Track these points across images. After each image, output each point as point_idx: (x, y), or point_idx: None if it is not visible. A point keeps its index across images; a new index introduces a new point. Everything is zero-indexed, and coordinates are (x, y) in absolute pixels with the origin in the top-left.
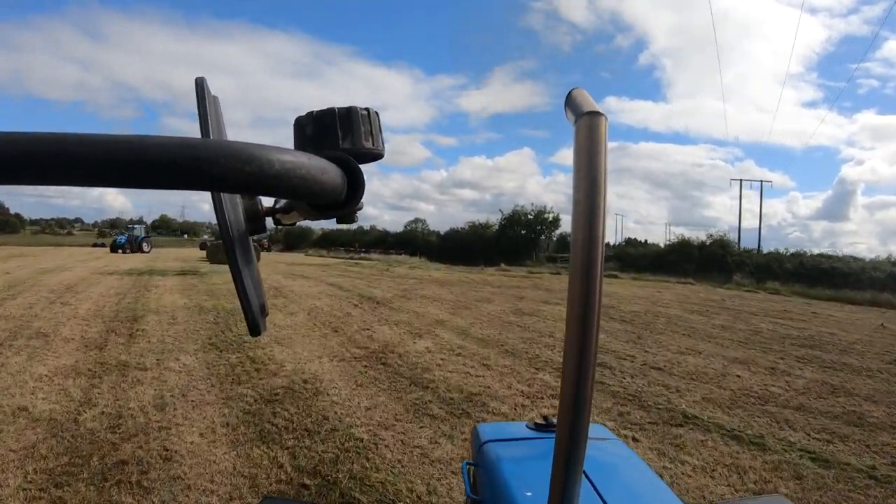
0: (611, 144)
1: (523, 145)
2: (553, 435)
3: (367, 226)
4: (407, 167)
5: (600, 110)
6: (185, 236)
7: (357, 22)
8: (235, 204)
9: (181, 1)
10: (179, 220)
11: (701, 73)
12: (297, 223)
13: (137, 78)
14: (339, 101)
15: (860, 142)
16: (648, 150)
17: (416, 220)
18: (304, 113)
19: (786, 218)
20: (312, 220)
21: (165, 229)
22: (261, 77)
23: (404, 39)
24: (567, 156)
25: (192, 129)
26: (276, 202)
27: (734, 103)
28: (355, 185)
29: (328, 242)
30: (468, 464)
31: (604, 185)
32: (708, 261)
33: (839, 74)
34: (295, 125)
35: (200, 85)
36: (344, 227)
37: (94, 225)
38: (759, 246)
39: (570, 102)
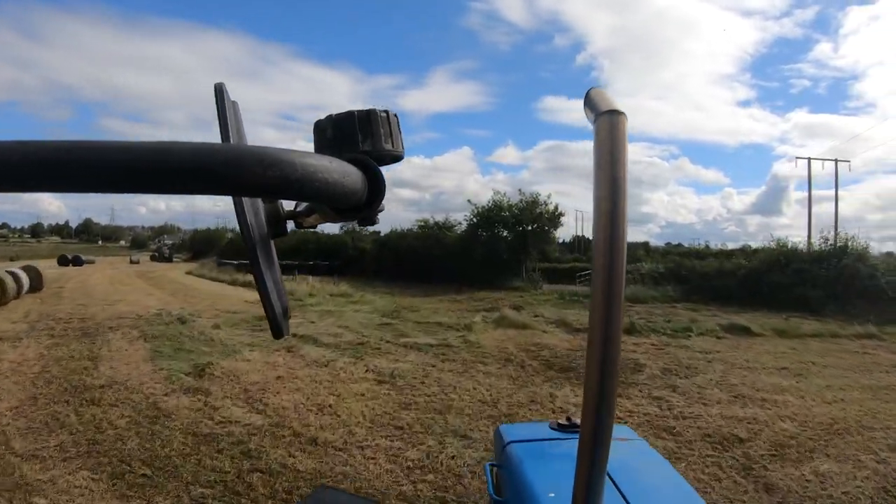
0: (549, 143)
1: (462, 144)
2: (576, 436)
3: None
4: None
5: (620, 109)
6: (101, 242)
7: (297, 20)
8: (257, 208)
9: None
10: (103, 224)
11: (638, 72)
12: (319, 225)
13: (74, 77)
14: (279, 100)
15: (792, 139)
16: (587, 149)
17: None
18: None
19: (721, 213)
20: (333, 222)
21: (87, 234)
22: (200, 76)
23: (344, 39)
24: (505, 154)
25: (132, 131)
26: (297, 205)
27: (671, 102)
28: (376, 188)
29: (234, 250)
30: (491, 464)
31: (625, 184)
32: (842, 284)
33: (772, 75)
34: (315, 128)
35: (220, 91)
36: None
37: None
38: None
39: (589, 101)
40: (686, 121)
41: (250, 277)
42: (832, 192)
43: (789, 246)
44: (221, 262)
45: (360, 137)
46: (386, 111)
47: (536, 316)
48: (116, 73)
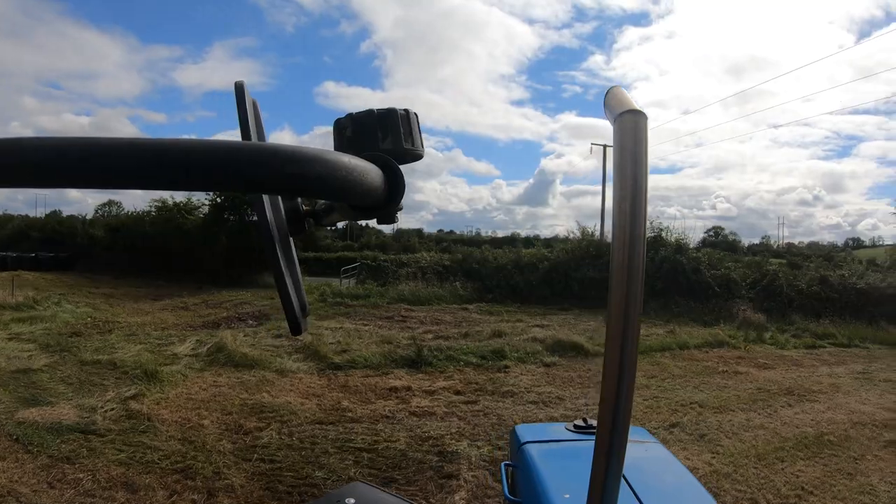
0: (326, 129)
1: (237, 125)
2: (592, 437)
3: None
4: None
5: (640, 108)
6: None
7: None
8: (277, 205)
9: None
10: None
11: (419, 65)
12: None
13: None
14: (44, 65)
15: (560, 138)
16: None
17: (110, 203)
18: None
19: (491, 203)
20: (353, 220)
21: None
22: None
23: (121, 2)
24: (280, 138)
25: None
26: (316, 203)
27: (449, 96)
28: (396, 186)
29: None
30: (507, 464)
31: (645, 184)
32: (663, 279)
33: (546, 79)
34: (335, 127)
35: (240, 89)
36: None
37: None
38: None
39: (609, 101)
40: (461, 115)
41: None
42: (593, 187)
43: (596, 236)
44: None
45: (381, 136)
46: (406, 110)
47: (279, 336)
48: None
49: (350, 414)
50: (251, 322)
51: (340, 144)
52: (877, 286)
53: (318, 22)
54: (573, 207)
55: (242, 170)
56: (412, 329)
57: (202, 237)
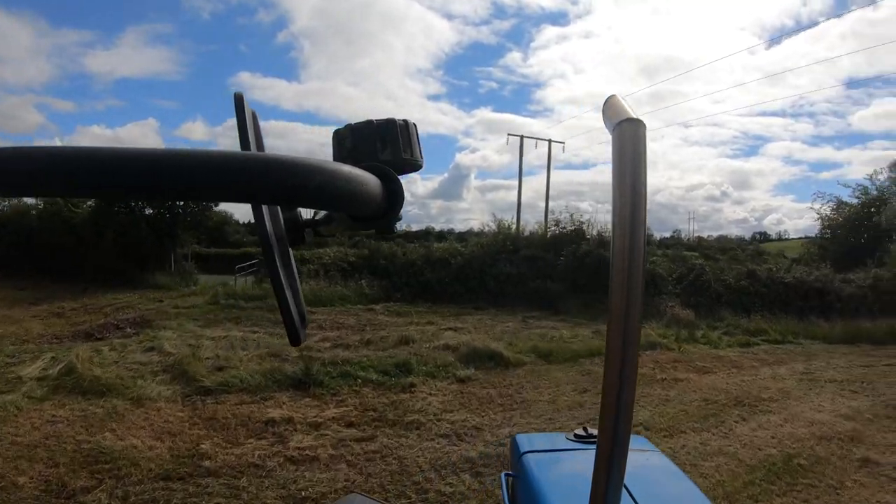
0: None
1: (148, 115)
2: (593, 446)
3: None
4: (17, 134)
5: (639, 117)
6: None
7: None
8: (276, 215)
9: None
10: None
11: (336, 57)
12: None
13: None
14: None
15: (476, 133)
16: (276, 128)
17: None
18: None
19: (405, 197)
20: (352, 231)
21: None
22: None
23: None
24: (193, 129)
25: None
26: (315, 213)
27: (365, 89)
28: (395, 196)
29: None
30: (507, 474)
31: (644, 193)
32: (585, 274)
33: (463, 74)
34: (334, 137)
35: (240, 100)
36: None
37: None
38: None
39: (608, 110)
40: (377, 108)
41: None
42: (507, 181)
43: (513, 229)
44: None
45: (380, 146)
46: (405, 121)
47: (150, 349)
48: None
49: (208, 463)
50: (129, 330)
51: (340, 155)
52: (804, 280)
53: (234, 9)
54: (488, 202)
55: (242, 180)
56: (308, 336)
57: (89, 233)
